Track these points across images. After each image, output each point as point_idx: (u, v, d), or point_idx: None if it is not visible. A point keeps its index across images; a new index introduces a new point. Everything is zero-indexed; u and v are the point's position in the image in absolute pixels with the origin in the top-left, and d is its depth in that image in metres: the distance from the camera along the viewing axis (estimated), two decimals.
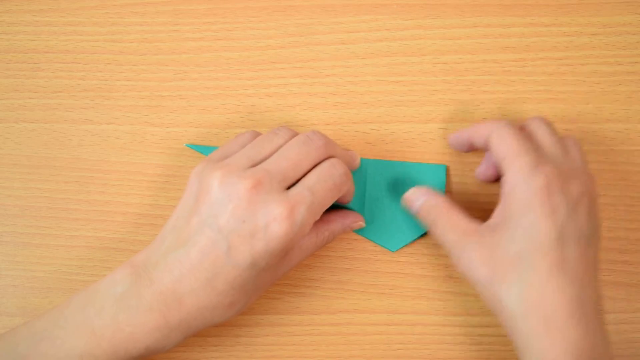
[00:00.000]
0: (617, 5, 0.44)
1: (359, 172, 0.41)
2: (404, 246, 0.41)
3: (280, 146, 0.36)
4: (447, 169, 0.41)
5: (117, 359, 0.33)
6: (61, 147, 0.43)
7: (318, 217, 0.35)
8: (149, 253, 0.35)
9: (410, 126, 0.43)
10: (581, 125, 0.43)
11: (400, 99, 0.43)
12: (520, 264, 0.33)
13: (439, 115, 0.43)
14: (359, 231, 0.41)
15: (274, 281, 0.37)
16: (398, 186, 0.41)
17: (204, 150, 0.42)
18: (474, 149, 0.39)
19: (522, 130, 0.37)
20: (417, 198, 0.38)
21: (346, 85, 0.43)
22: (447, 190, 0.42)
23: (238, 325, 0.41)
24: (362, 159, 0.41)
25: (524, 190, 0.33)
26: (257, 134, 0.38)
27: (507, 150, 0.35)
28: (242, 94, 0.43)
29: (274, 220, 0.33)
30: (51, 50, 0.44)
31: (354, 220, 0.40)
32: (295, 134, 0.37)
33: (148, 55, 0.44)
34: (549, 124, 0.38)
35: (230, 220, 0.33)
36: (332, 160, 0.36)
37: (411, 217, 0.40)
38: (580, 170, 0.36)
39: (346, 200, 0.38)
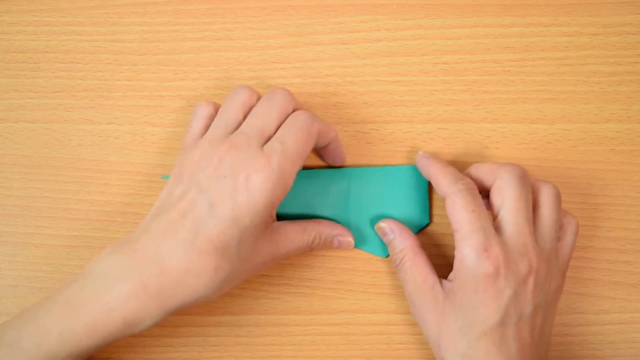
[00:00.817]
0: (617, 5, 0.44)
1: (341, 183, 0.41)
2: None
3: (246, 105, 0.37)
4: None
5: (96, 334, 0.33)
6: (61, 147, 0.43)
7: (296, 164, 0.35)
8: (135, 231, 0.35)
9: (410, 126, 0.43)
10: (581, 125, 0.43)
11: (400, 99, 0.43)
12: (463, 339, 0.35)
13: (439, 115, 0.43)
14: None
15: (259, 265, 0.36)
16: (382, 193, 0.41)
17: None
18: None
19: (472, 191, 0.36)
20: (389, 233, 0.39)
21: (346, 85, 0.43)
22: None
23: (238, 325, 0.41)
24: (342, 169, 0.41)
25: (471, 272, 0.34)
26: (213, 104, 0.38)
27: (460, 222, 0.35)
28: None
29: (253, 172, 0.33)
30: (51, 50, 0.44)
31: (342, 233, 0.40)
32: (255, 91, 0.38)
33: (148, 55, 0.44)
34: (558, 199, 0.37)
35: (211, 178, 0.34)
36: (295, 112, 0.37)
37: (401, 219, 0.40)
38: (559, 268, 0.37)
39: (327, 141, 0.38)
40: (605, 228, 0.42)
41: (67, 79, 0.44)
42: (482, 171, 0.38)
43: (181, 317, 0.41)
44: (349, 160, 0.43)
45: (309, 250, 0.39)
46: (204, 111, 0.38)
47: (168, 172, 0.43)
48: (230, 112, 0.37)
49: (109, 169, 0.43)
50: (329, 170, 0.41)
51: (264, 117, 0.36)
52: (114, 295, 0.32)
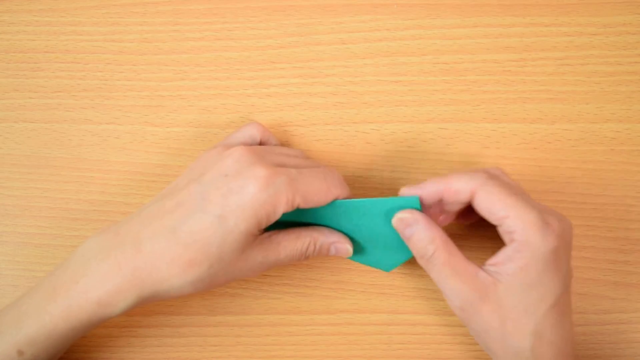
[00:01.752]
0: (617, 5, 0.44)
1: (332, 218, 0.38)
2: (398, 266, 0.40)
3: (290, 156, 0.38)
4: (419, 199, 0.36)
5: (72, 316, 0.33)
6: (61, 147, 0.43)
7: (298, 199, 0.34)
8: (129, 215, 0.36)
9: (410, 126, 0.43)
10: (581, 125, 0.43)
11: (400, 99, 0.43)
12: (531, 317, 0.33)
13: (439, 115, 0.43)
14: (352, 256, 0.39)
15: (245, 271, 0.35)
16: (375, 227, 0.37)
17: None
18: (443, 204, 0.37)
19: (495, 177, 0.36)
20: (412, 223, 0.35)
21: (346, 85, 0.43)
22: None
23: (238, 325, 0.41)
24: (334, 202, 0.36)
25: (539, 250, 0.33)
26: (262, 128, 0.40)
27: (507, 208, 0.34)
28: (242, 94, 0.43)
29: (253, 178, 0.33)
30: (51, 50, 0.44)
31: (339, 240, 0.37)
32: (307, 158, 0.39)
33: (148, 55, 0.44)
34: (503, 175, 0.37)
35: (214, 175, 0.34)
36: (332, 168, 0.37)
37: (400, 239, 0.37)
38: (553, 210, 0.36)
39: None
40: (605, 228, 0.42)
41: (67, 79, 0.44)
42: (449, 187, 0.35)
43: (181, 317, 0.41)
44: (349, 159, 0.43)
45: (304, 258, 0.37)
46: (251, 129, 0.39)
47: (168, 172, 0.43)
48: (280, 156, 0.37)
49: (109, 169, 0.43)
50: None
51: (299, 163, 0.37)
52: (90, 276, 0.33)
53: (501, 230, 0.34)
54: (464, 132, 0.43)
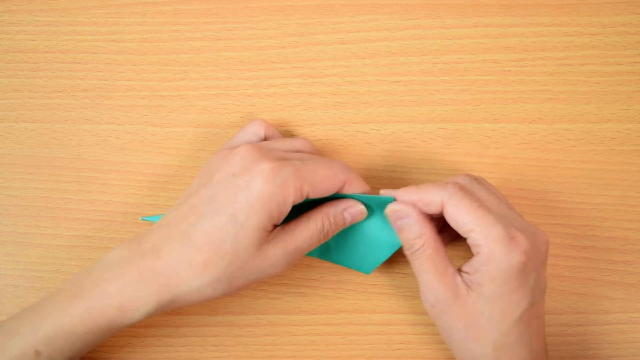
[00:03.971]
0: (617, 5, 0.44)
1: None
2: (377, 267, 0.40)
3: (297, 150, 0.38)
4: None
5: (91, 319, 0.33)
6: (61, 147, 0.43)
7: (307, 187, 0.34)
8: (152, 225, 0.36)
9: (410, 126, 0.43)
10: (581, 125, 0.43)
11: (400, 99, 0.43)
12: (494, 328, 0.34)
13: (439, 115, 0.43)
14: (332, 259, 0.39)
15: (266, 268, 0.35)
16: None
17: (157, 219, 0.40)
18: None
19: (473, 186, 0.36)
20: (404, 216, 0.36)
21: (346, 85, 0.43)
22: None
23: (238, 325, 0.41)
24: (313, 199, 0.36)
25: (503, 265, 0.34)
26: (266, 124, 0.40)
27: (473, 221, 0.34)
28: (242, 94, 0.43)
29: (260, 172, 0.33)
30: (51, 50, 0.44)
31: (349, 204, 0.37)
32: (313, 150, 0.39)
33: (148, 55, 0.44)
34: (483, 182, 0.37)
35: (222, 176, 0.35)
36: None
37: (379, 238, 0.38)
38: (528, 224, 0.36)
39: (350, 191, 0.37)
40: (605, 228, 0.42)
41: (67, 79, 0.44)
42: (422, 198, 0.36)
43: (181, 317, 0.41)
44: (349, 159, 0.43)
45: (324, 236, 0.36)
46: (255, 127, 0.39)
47: (168, 172, 0.43)
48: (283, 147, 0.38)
49: (109, 169, 0.43)
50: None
51: (303, 157, 0.37)
52: (111, 281, 0.33)
53: (469, 242, 0.35)
54: (464, 132, 0.43)
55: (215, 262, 0.33)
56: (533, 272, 0.34)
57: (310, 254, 0.39)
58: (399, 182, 0.42)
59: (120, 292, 0.33)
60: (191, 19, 0.44)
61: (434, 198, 0.35)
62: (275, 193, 0.33)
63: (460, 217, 0.34)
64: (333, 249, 0.39)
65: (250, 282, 0.35)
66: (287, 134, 0.43)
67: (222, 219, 0.33)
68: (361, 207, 0.37)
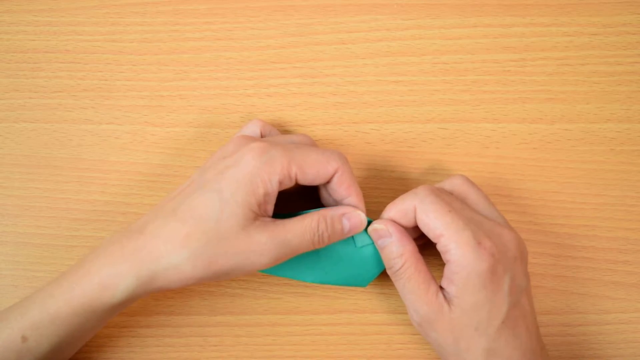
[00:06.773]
0: (617, 5, 0.44)
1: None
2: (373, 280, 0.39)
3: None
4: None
5: (74, 298, 0.33)
6: (61, 147, 0.43)
7: (294, 168, 0.34)
8: None
9: (410, 126, 0.43)
10: (581, 125, 0.43)
11: (400, 99, 0.43)
12: (482, 336, 0.34)
13: (439, 115, 0.43)
14: (329, 281, 0.38)
15: (249, 253, 0.33)
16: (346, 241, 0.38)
17: None
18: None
19: (443, 192, 0.36)
20: (386, 235, 0.36)
21: (346, 85, 0.43)
22: None
23: (238, 325, 0.41)
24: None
25: (473, 270, 0.34)
26: (262, 123, 0.40)
27: (442, 226, 0.34)
28: (242, 94, 0.43)
29: (248, 150, 0.34)
30: (51, 50, 0.44)
31: (348, 210, 0.36)
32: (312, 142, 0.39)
33: (148, 55, 0.44)
34: (472, 184, 0.38)
35: (213, 159, 0.35)
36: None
37: (374, 255, 0.38)
38: (495, 225, 0.36)
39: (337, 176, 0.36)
40: (605, 228, 0.42)
41: (67, 79, 0.44)
42: (397, 209, 0.36)
43: (181, 317, 0.41)
44: (349, 160, 0.42)
45: (318, 238, 0.35)
46: (251, 126, 0.39)
47: (168, 172, 0.43)
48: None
49: (109, 169, 0.43)
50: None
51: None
52: (94, 261, 0.34)
53: (438, 249, 0.35)
54: (464, 132, 0.43)
55: (196, 236, 0.33)
56: (506, 273, 0.34)
57: (307, 279, 0.38)
58: (399, 182, 0.42)
59: (100, 270, 0.33)
60: (191, 19, 0.44)
61: (407, 206, 0.35)
62: (261, 169, 0.33)
63: (430, 222, 0.35)
64: (329, 271, 0.38)
65: (232, 268, 0.33)
66: (287, 134, 0.43)
67: (208, 194, 0.33)
68: (361, 216, 0.36)
